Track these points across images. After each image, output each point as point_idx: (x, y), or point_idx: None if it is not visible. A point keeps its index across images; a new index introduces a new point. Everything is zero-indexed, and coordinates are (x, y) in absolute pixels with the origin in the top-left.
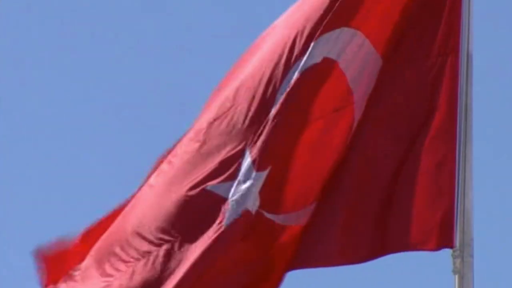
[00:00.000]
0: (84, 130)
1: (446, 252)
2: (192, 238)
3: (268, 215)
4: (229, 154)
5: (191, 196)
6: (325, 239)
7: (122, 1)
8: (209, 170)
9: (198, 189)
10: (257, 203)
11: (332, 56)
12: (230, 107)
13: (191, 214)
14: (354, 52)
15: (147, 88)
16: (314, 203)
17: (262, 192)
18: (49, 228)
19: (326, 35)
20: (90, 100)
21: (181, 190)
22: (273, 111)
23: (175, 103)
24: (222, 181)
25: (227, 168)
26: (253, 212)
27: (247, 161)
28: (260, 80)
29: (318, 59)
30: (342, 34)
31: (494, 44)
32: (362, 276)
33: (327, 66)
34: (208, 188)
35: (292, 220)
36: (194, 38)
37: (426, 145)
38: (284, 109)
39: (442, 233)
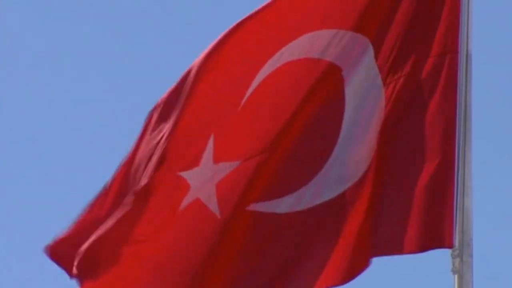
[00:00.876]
0: (84, 130)
1: (446, 252)
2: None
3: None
4: (197, 140)
5: (164, 181)
6: (324, 250)
7: (123, 1)
8: (181, 155)
9: (171, 174)
10: (214, 198)
11: (327, 57)
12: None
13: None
14: (355, 56)
15: (147, 88)
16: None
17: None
18: (49, 228)
19: (310, 34)
20: (90, 100)
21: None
22: (243, 103)
23: None
24: (190, 167)
25: (194, 153)
26: (214, 211)
27: (209, 148)
28: (232, 72)
29: (297, 57)
30: (338, 36)
31: (494, 44)
32: (360, 276)
33: (320, 66)
34: (180, 174)
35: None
36: (194, 38)
37: (425, 145)
38: (256, 103)
39: (442, 233)
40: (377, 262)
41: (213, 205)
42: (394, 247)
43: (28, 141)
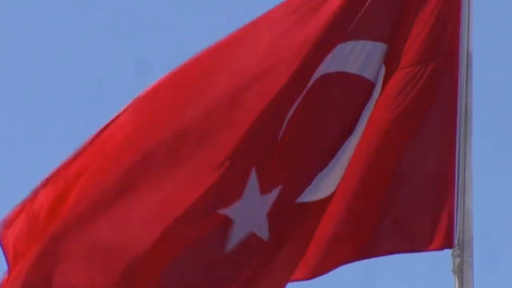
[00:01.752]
0: (84, 130)
1: (446, 252)
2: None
3: None
4: (236, 174)
5: (199, 217)
6: (329, 243)
7: (122, 1)
8: (217, 191)
9: (207, 211)
10: (266, 228)
11: (362, 72)
12: (229, 120)
13: (194, 232)
14: (379, 64)
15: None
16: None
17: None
18: None
19: (341, 46)
20: (90, 100)
21: (186, 207)
22: (283, 130)
23: None
24: (231, 203)
25: (234, 188)
26: (264, 238)
27: (253, 181)
28: (267, 96)
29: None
30: (365, 47)
31: (494, 44)
32: (360, 275)
33: (356, 82)
34: (218, 211)
35: None
36: (195, 39)
37: (426, 145)
38: (297, 126)
39: (442, 233)
40: (377, 261)
41: (264, 234)
42: (395, 247)
43: (28, 141)
